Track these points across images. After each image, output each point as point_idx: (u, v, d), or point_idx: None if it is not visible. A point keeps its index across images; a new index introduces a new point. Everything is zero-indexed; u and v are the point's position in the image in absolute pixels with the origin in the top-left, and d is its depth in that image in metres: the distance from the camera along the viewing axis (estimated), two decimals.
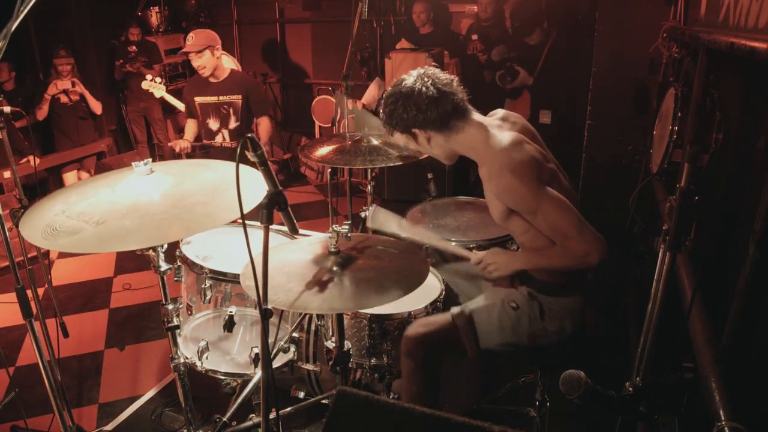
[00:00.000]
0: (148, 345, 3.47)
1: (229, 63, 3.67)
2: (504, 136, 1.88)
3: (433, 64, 1.92)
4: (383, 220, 2.18)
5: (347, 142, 2.67)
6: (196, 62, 3.48)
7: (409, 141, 1.96)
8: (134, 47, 6.03)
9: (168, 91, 4.74)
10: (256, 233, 1.26)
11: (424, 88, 1.82)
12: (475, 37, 4.78)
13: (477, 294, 2.26)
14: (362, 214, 3.04)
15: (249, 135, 1.21)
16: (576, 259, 1.77)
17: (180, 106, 4.45)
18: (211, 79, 3.60)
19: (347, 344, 1.85)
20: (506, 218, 1.89)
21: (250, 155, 1.23)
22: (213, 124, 3.67)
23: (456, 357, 2.02)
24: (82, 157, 5.27)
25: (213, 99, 3.61)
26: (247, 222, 1.19)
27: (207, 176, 1.75)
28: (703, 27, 1.98)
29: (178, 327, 2.00)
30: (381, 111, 1.93)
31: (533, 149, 1.86)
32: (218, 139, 3.68)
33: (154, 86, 4.49)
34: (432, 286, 2.18)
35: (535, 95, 4.34)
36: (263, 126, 3.69)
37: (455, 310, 2.00)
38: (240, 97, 3.59)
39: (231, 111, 3.62)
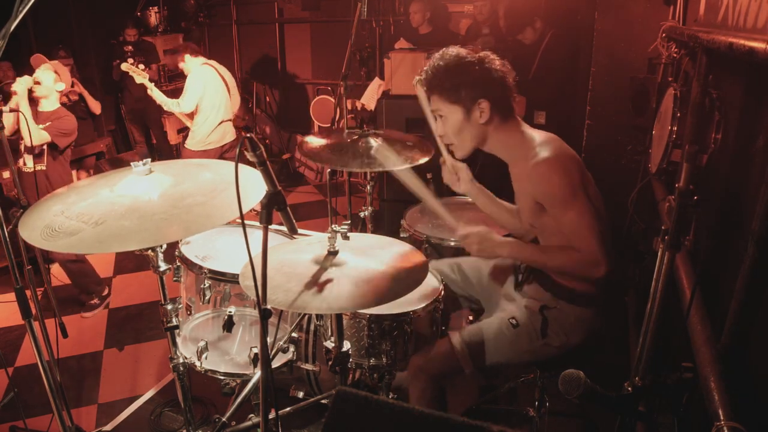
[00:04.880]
0: (147, 345, 3.47)
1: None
2: (541, 133, 1.91)
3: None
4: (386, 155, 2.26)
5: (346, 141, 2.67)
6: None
7: (453, 112, 1.87)
8: (130, 47, 6.04)
9: (165, 91, 4.76)
10: (256, 233, 1.26)
11: (498, 68, 1.84)
12: (486, 30, 4.74)
13: (474, 292, 2.27)
14: (361, 214, 3.04)
15: (248, 135, 1.21)
16: (583, 265, 1.75)
17: (160, 98, 4.52)
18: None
19: (346, 344, 1.84)
20: (538, 216, 1.88)
21: (248, 155, 1.22)
22: None
23: (456, 375, 2.04)
24: (81, 157, 5.27)
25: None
26: (246, 222, 1.19)
27: (206, 176, 1.75)
28: (702, 27, 1.98)
29: (177, 327, 2.00)
30: (444, 68, 1.85)
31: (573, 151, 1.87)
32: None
33: (135, 71, 4.56)
34: (431, 286, 2.18)
35: (530, 96, 4.33)
36: None
37: (453, 334, 2.01)
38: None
39: None
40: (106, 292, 4.05)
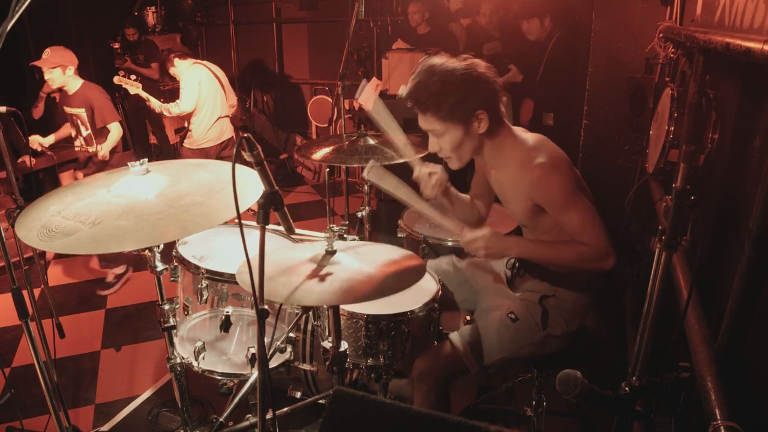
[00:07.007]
0: (144, 345, 3.47)
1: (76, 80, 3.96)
2: (531, 135, 1.90)
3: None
4: (381, 174, 2.05)
5: (344, 143, 2.68)
6: (47, 75, 3.83)
7: (450, 129, 1.77)
8: (117, 45, 6.05)
9: (164, 91, 4.75)
10: (254, 233, 1.26)
11: (489, 75, 1.76)
12: (496, 35, 4.68)
13: (471, 293, 2.26)
14: (359, 214, 3.04)
15: (245, 135, 1.20)
16: (592, 258, 1.76)
17: (158, 107, 4.53)
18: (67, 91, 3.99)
19: (344, 344, 1.84)
20: (533, 217, 1.88)
21: (246, 155, 1.22)
22: (71, 130, 4.12)
23: (460, 376, 2.03)
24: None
25: (68, 110, 4.02)
26: (243, 222, 1.19)
27: (203, 176, 1.74)
28: (699, 27, 1.98)
29: (174, 327, 2.00)
30: (437, 85, 1.71)
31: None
32: (77, 143, 4.12)
33: (127, 82, 4.55)
34: (428, 286, 2.18)
35: (537, 98, 4.32)
36: (113, 132, 4.02)
37: (453, 335, 2.01)
38: (84, 110, 3.95)
39: (79, 121, 3.99)
40: (122, 270, 4.23)
